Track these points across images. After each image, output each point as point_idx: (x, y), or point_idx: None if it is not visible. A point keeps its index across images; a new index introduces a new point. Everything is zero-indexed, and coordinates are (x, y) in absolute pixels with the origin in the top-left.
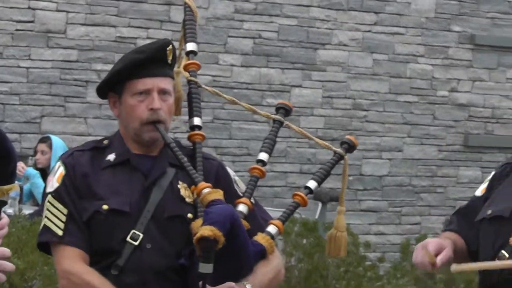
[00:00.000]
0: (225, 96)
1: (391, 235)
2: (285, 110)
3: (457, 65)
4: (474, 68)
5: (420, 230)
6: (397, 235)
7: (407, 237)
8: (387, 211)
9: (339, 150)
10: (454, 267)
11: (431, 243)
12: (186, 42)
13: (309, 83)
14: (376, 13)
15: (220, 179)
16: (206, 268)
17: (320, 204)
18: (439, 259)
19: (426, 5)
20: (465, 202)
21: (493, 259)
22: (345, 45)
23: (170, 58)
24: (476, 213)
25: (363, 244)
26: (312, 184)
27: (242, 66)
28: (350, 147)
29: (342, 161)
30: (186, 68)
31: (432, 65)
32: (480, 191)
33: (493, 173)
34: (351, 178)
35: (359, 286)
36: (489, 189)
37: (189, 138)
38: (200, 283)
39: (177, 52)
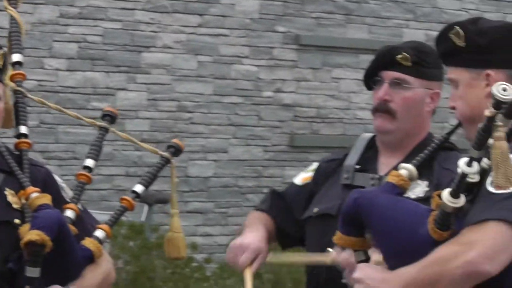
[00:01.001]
0: (50, 104)
1: (217, 236)
2: (110, 117)
3: (282, 66)
4: (299, 68)
5: None
6: (224, 236)
7: (234, 237)
8: (214, 212)
9: (165, 154)
10: (270, 258)
11: (249, 249)
12: (12, 53)
13: (134, 86)
14: (200, 15)
15: (47, 186)
16: (33, 272)
17: (146, 206)
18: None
19: (250, 6)
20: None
21: None
22: (169, 47)
23: (1, 63)
24: (293, 198)
25: (190, 246)
26: (138, 188)
27: (67, 70)
28: (176, 150)
29: (169, 164)
30: (12, 78)
31: (256, 66)
32: (300, 179)
33: (316, 164)
34: (177, 180)
35: (187, 287)
36: (314, 182)
37: (15, 146)
38: (27, 287)
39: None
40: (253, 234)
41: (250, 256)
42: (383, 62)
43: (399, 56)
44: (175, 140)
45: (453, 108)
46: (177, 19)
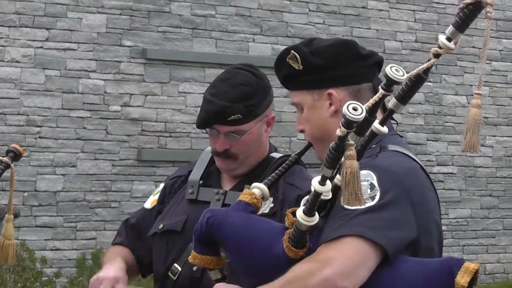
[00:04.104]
0: None
1: (67, 251)
2: None
3: (129, 80)
4: (146, 82)
5: (96, 245)
6: (73, 250)
7: (83, 252)
8: (63, 226)
9: (5, 159)
10: None
11: (106, 280)
12: None
13: None
14: (47, 29)
15: None
16: None
17: None
18: None
19: (97, 21)
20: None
21: (166, 273)
22: (17, 61)
23: None
24: (146, 224)
25: (40, 260)
26: None
27: None
28: (16, 155)
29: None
30: None
31: (104, 80)
32: (149, 203)
33: (163, 184)
34: (26, 194)
35: None
36: (161, 201)
37: None
38: None
39: None
40: (110, 267)
41: (108, 286)
42: (215, 120)
43: (232, 117)
44: (14, 145)
45: (302, 131)
46: (25, 33)
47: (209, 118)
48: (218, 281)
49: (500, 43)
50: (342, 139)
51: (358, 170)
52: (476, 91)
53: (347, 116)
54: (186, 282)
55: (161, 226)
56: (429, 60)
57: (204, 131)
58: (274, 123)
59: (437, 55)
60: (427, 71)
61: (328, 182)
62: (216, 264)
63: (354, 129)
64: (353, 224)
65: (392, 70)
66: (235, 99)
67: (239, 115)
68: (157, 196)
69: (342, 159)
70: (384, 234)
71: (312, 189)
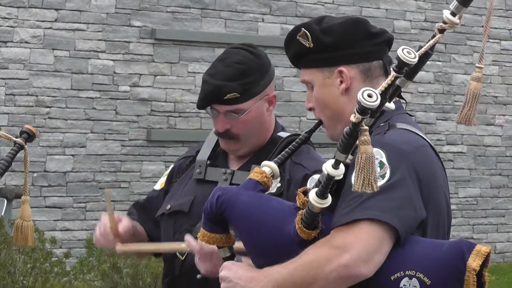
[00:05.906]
0: None
1: (76, 231)
2: None
3: (138, 60)
4: (156, 62)
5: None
6: (83, 230)
7: (92, 232)
8: (72, 207)
9: (19, 140)
10: (120, 247)
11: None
12: None
13: None
14: (56, 9)
15: None
16: None
17: (5, 201)
18: (121, 228)
19: (106, 1)
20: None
21: (174, 253)
22: (26, 42)
23: None
24: (154, 205)
25: (49, 240)
26: None
27: None
28: (29, 136)
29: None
30: None
31: (113, 60)
32: (159, 184)
33: (171, 166)
34: (35, 175)
35: (46, 282)
36: (169, 182)
37: None
38: None
39: None
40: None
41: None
42: (212, 99)
43: (228, 96)
44: (28, 126)
45: (311, 109)
46: (34, 14)
47: (206, 98)
48: (226, 259)
49: (509, 22)
50: (356, 125)
51: (373, 155)
52: (477, 65)
53: (362, 103)
54: (194, 262)
55: (168, 206)
56: (434, 36)
57: (206, 112)
58: (276, 102)
59: (442, 30)
60: (433, 46)
61: (341, 165)
62: (225, 242)
63: (369, 115)
64: (367, 207)
65: (404, 52)
66: (231, 78)
67: (235, 93)
68: (166, 178)
69: (357, 142)
70: (397, 215)
71: (325, 173)
